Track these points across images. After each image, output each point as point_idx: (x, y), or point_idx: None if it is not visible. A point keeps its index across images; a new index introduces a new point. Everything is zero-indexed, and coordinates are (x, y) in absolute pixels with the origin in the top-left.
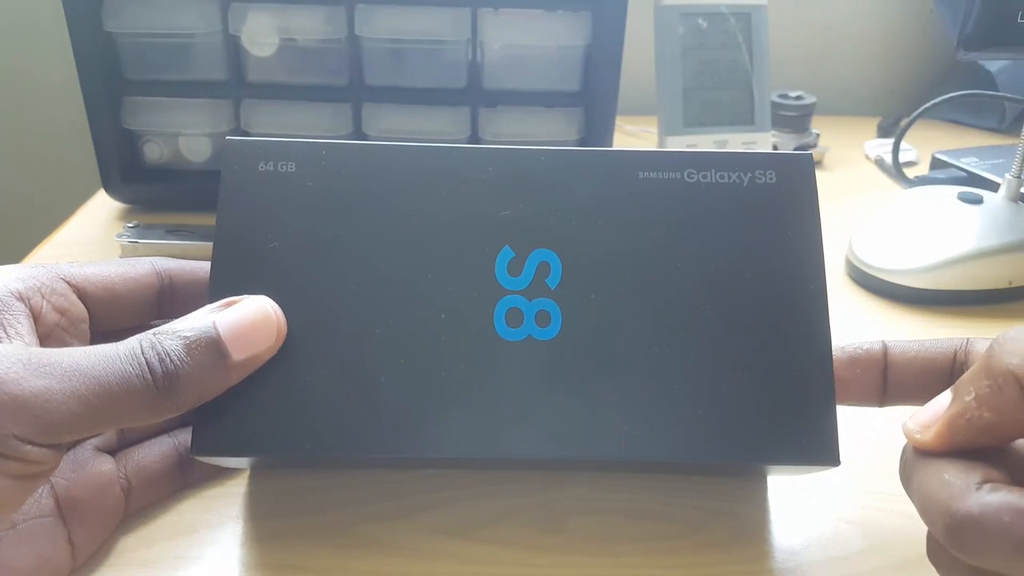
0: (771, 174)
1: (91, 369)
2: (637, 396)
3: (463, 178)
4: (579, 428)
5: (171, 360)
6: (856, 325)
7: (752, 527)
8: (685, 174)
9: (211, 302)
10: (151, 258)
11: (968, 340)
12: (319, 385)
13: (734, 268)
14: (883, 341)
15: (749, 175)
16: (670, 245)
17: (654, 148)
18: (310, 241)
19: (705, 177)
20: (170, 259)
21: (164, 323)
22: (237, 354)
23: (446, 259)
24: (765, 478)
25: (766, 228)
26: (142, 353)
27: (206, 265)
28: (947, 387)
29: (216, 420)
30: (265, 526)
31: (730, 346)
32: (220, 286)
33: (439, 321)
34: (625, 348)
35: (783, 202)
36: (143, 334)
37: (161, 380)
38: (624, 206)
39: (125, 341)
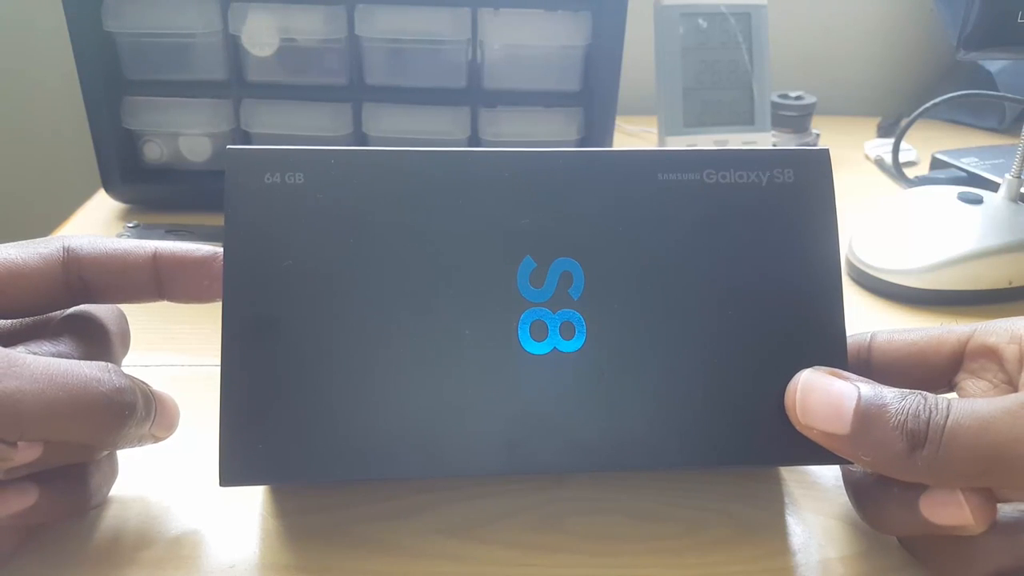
0: (789, 172)
1: (59, 375)
2: (662, 405)
3: (480, 184)
4: (606, 440)
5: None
6: (856, 325)
7: (753, 527)
8: (704, 175)
9: (225, 327)
10: (53, 245)
11: (972, 331)
12: (344, 408)
13: (754, 272)
14: (872, 332)
15: (768, 174)
16: (691, 251)
17: (656, 148)
18: (325, 258)
19: (724, 178)
20: (79, 239)
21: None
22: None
23: (468, 272)
24: (774, 473)
25: (785, 230)
26: (108, 367)
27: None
28: (927, 373)
29: (242, 449)
30: (265, 526)
31: (751, 350)
32: (234, 310)
33: (463, 337)
34: (649, 357)
35: (801, 203)
36: None
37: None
38: (644, 211)
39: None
